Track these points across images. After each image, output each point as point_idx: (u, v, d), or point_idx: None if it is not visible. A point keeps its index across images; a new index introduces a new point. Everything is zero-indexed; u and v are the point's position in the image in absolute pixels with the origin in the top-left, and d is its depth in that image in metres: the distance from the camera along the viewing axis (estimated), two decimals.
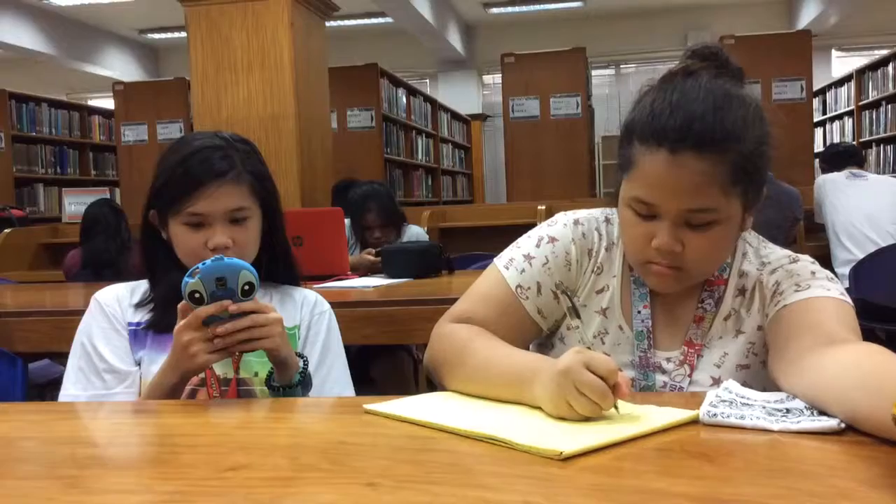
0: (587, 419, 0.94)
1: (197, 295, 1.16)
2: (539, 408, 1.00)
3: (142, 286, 1.46)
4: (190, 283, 1.16)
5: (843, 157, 4.52)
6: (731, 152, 1.06)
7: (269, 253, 1.46)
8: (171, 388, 1.24)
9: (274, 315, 1.21)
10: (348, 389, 1.45)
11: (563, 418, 0.95)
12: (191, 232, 1.36)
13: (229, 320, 1.17)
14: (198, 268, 1.16)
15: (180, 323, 1.19)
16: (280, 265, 1.49)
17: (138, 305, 1.43)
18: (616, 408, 0.95)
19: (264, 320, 1.19)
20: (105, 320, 1.41)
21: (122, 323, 1.41)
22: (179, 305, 1.20)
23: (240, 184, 1.37)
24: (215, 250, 1.33)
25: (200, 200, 1.34)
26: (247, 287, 1.18)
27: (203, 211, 1.34)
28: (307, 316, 1.47)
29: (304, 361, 1.29)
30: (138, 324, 1.41)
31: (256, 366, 1.36)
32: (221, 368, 1.36)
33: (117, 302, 1.43)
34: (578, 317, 1.09)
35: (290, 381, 1.27)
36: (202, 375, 1.35)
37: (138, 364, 1.38)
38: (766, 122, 1.12)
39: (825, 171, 4.59)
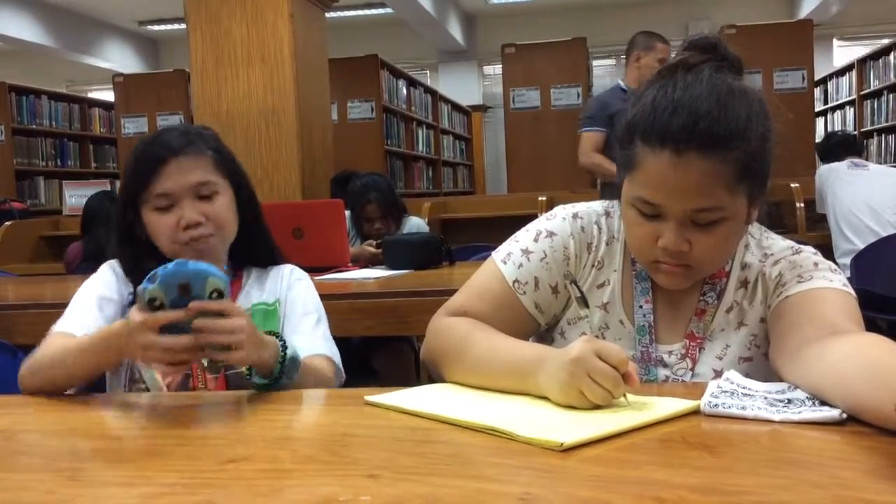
0: (594, 408, 0.94)
1: (157, 303, 1.04)
2: (542, 398, 1.00)
3: None
4: (149, 288, 1.03)
5: (840, 147, 4.50)
6: (736, 150, 1.04)
7: (245, 235, 1.45)
8: (106, 367, 1.23)
9: (239, 321, 1.08)
10: (335, 350, 1.42)
11: (571, 407, 0.95)
12: (162, 215, 1.35)
13: (188, 327, 1.04)
14: (157, 272, 1.04)
15: (138, 318, 1.05)
16: (258, 248, 1.48)
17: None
18: (625, 396, 0.95)
19: (230, 327, 1.06)
20: (114, 280, 1.41)
21: (125, 299, 1.41)
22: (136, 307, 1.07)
23: (200, 157, 1.37)
24: (188, 227, 1.32)
25: (163, 178, 1.34)
26: (215, 295, 1.06)
27: (168, 189, 1.34)
28: (284, 288, 1.46)
29: (282, 347, 1.16)
30: None
31: None
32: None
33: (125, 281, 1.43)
34: (587, 306, 1.07)
35: (271, 373, 1.15)
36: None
37: None
38: (769, 115, 1.10)
39: (823, 160, 4.57)
